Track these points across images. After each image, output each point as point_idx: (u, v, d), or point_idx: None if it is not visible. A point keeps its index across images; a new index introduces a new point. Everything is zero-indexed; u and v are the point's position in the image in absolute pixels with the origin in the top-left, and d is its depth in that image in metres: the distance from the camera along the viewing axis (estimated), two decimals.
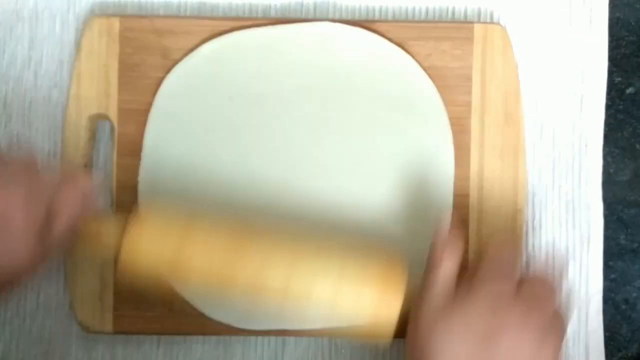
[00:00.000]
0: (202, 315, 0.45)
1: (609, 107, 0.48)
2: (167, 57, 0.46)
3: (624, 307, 0.49)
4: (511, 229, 0.46)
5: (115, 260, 0.39)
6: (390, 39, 0.46)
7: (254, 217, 0.45)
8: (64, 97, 0.47)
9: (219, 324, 0.45)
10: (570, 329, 0.47)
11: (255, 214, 0.45)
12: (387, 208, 0.45)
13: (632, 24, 0.49)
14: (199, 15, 0.48)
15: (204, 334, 0.46)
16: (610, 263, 0.48)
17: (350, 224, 0.45)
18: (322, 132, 0.46)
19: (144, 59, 0.46)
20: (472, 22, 0.46)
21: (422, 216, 0.45)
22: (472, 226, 0.46)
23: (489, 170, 0.46)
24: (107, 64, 0.46)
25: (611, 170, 0.49)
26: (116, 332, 0.45)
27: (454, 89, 0.46)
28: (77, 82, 0.46)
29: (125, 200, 0.45)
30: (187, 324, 0.45)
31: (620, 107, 0.49)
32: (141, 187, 0.45)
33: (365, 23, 0.46)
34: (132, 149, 0.46)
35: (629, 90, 0.49)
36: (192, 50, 0.46)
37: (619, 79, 0.49)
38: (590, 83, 0.48)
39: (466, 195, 0.46)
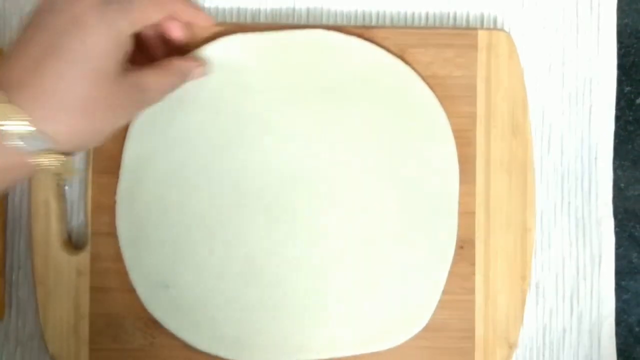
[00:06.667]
0: (187, 347, 0.42)
1: (618, 118, 0.46)
2: None
3: (637, 329, 0.46)
4: (520, 250, 0.43)
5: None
6: (388, 46, 0.43)
7: (242, 238, 0.41)
8: None
9: (206, 356, 0.42)
10: (583, 353, 0.45)
11: (244, 234, 0.42)
12: (389, 227, 0.42)
13: None
14: None
15: None
16: (622, 283, 0.46)
17: (352, 242, 0.42)
18: (316, 147, 0.42)
19: None
20: (475, 29, 0.44)
21: (425, 235, 0.42)
22: (479, 246, 0.43)
23: (496, 186, 0.43)
24: None
25: (622, 185, 0.46)
26: None
27: (457, 99, 0.43)
28: None
29: (101, 221, 0.42)
30: (170, 358, 0.42)
31: (630, 117, 0.47)
32: (119, 207, 0.42)
33: (362, 29, 0.43)
34: (109, 166, 0.42)
35: (639, 100, 0.47)
36: None
37: (629, 88, 0.47)
38: (599, 93, 0.46)
39: (472, 213, 0.43)
